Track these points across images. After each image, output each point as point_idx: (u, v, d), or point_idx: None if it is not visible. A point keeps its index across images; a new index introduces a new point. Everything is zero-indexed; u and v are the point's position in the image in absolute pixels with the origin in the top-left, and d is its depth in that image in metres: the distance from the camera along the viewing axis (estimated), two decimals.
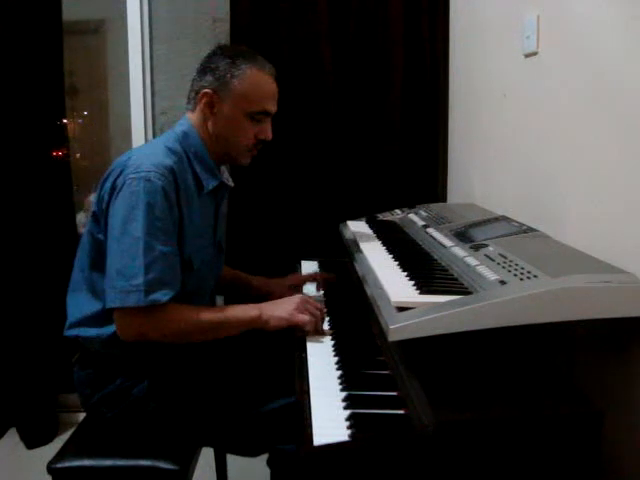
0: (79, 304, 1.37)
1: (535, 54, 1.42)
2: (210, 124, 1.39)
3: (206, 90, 1.37)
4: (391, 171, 2.24)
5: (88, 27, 2.65)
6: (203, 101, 1.37)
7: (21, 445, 2.30)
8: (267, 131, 1.42)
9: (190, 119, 1.41)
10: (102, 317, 1.32)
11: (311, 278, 1.73)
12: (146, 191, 1.23)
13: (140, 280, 1.21)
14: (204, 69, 1.39)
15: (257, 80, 1.37)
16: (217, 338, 1.34)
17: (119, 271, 1.22)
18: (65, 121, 2.38)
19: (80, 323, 1.36)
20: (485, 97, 1.82)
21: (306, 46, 2.18)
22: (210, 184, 1.41)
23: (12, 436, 2.35)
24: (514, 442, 0.88)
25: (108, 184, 1.30)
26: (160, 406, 1.34)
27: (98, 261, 1.32)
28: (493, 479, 0.89)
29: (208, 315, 1.31)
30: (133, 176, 1.25)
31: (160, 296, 1.22)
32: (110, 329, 1.31)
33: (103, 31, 2.64)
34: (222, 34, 2.31)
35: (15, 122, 2.21)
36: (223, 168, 1.51)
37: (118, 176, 1.27)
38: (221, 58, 1.38)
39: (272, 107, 1.41)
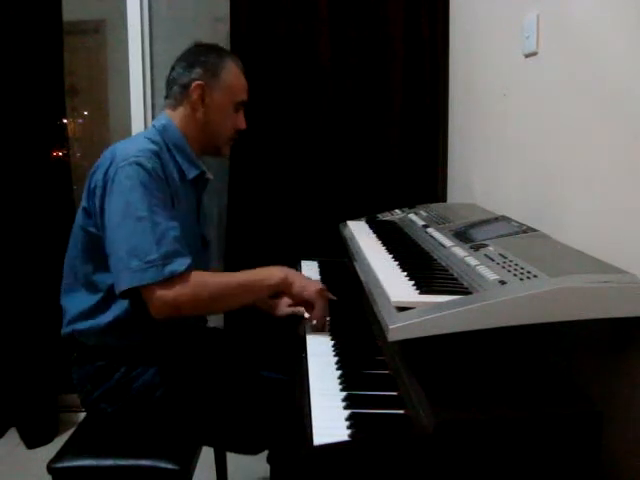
0: (75, 302, 1.38)
1: (535, 54, 1.42)
2: (200, 114, 1.45)
3: (199, 82, 1.43)
4: (391, 171, 2.24)
5: (88, 27, 2.65)
6: (196, 92, 1.43)
7: (21, 445, 2.30)
8: (243, 121, 1.53)
9: (169, 114, 1.47)
10: (97, 309, 1.35)
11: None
12: (140, 173, 1.27)
13: (154, 255, 1.23)
14: (192, 63, 1.45)
15: (238, 73, 1.50)
16: (246, 303, 1.36)
17: (130, 252, 1.23)
18: (65, 121, 2.38)
19: (76, 319, 1.38)
20: (485, 97, 1.82)
21: (306, 46, 2.18)
22: (192, 172, 1.45)
23: (12, 436, 2.36)
24: (514, 442, 0.88)
25: (99, 176, 1.31)
26: (160, 403, 1.35)
27: (93, 254, 1.34)
28: (493, 479, 0.89)
29: (234, 278, 1.35)
30: (124, 163, 1.28)
31: (177, 266, 1.24)
32: (104, 319, 1.33)
33: (103, 31, 2.64)
34: (222, 34, 2.31)
35: (15, 122, 2.22)
36: (202, 161, 1.54)
37: (108, 167, 1.30)
38: (208, 53, 1.47)
39: (247, 98, 1.53)
